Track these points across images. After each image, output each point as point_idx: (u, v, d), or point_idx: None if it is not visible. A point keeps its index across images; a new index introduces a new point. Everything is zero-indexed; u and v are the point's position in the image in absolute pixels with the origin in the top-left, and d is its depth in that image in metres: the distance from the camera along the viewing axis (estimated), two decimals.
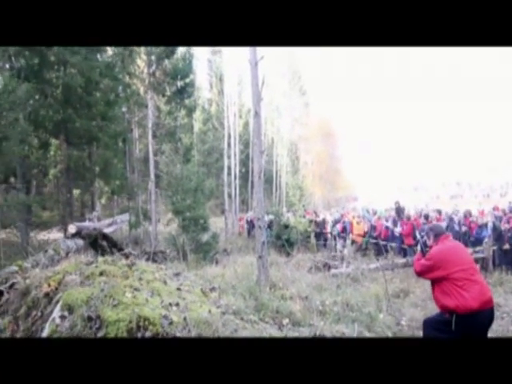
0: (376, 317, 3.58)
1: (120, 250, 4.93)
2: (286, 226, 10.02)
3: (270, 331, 2.72)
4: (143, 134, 15.11)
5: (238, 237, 13.06)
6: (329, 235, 10.99)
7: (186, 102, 12.64)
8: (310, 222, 11.54)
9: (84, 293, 2.36)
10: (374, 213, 10.64)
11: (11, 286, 2.83)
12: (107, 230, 4.88)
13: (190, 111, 13.70)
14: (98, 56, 12.33)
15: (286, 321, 3.08)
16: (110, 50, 13.12)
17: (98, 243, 4.69)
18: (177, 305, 2.52)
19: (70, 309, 2.24)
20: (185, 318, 2.21)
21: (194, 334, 2.08)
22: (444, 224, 8.19)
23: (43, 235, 9.42)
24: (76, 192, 10.71)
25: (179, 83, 12.38)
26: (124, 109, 13.34)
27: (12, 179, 10.62)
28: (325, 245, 10.90)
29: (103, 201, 11.81)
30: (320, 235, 11.16)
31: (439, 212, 9.24)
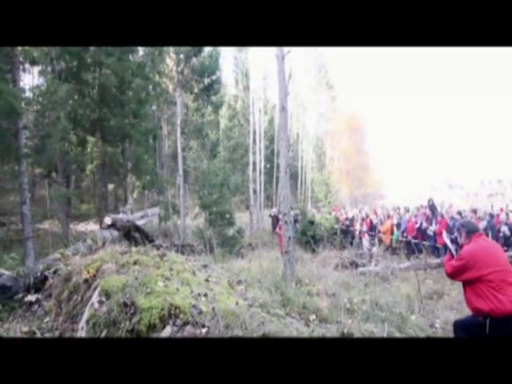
0: (407, 318, 3.43)
1: (151, 241, 5.15)
2: (312, 223, 9.88)
3: (297, 326, 2.71)
4: (172, 130, 15.58)
5: (263, 232, 13.12)
6: (357, 233, 10.69)
7: (213, 98, 12.82)
8: (337, 218, 11.28)
9: (120, 280, 2.49)
10: (407, 210, 10.16)
11: (55, 272, 3.05)
12: (139, 223, 5.10)
13: (217, 108, 13.89)
14: (130, 57, 12.86)
15: (312, 317, 3.05)
16: (141, 51, 13.61)
17: (131, 234, 4.92)
18: (205, 295, 2.59)
19: (108, 295, 2.37)
20: (213, 309, 2.26)
21: (222, 324, 2.12)
22: (484, 223, 7.63)
23: (81, 226, 10.09)
24: (110, 186, 11.36)
25: (206, 80, 12.58)
26: (154, 107, 13.84)
27: (54, 174, 11.47)
28: (351, 243, 10.63)
29: (135, 195, 12.41)
30: (347, 233, 10.89)
31: (475, 212, 8.56)
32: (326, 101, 26.42)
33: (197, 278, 3.02)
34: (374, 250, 8.89)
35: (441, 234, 8.08)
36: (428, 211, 8.89)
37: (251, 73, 17.35)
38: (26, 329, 2.53)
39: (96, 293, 2.46)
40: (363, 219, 10.62)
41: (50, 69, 10.56)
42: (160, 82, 13.88)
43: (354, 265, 6.82)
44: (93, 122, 10.53)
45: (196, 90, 12.28)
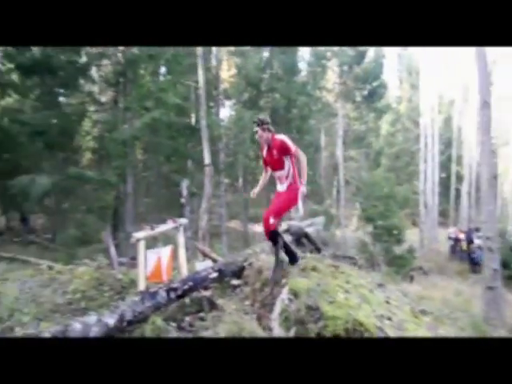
0: None
1: (318, 249, 5.35)
2: None
3: None
4: (329, 141, 15.88)
5: (437, 255, 10.85)
6: None
7: (376, 104, 12.04)
8: None
9: (304, 283, 2.71)
10: None
11: (249, 264, 3.70)
12: (307, 230, 5.43)
13: (381, 113, 12.90)
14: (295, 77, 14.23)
15: None
16: (304, 70, 14.78)
17: (301, 241, 5.31)
18: (389, 319, 2.40)
19: (295, 294, 2.63)
20: None
21: None
22: None
23: (256, 227, 12.01)
24: None
25: (369, 87, 12.02)
26: (312, 121, 14.62)
27: (235, 183, 14.32)
28: None
29: None
30: None
31: None
32: None
33: (375, 297, 2.85)
34: None
35: None
36: None
37: (421, 68, 15.02)
38: (233, 306, 3.20)
39: (285, 290, 2.77)
40: None
41: (236, 101, 13.39)
42: (320, 97, 14.55)
43: None
44: None
45: (358, 98, 11.97)
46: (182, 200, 5.61)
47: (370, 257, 6.48)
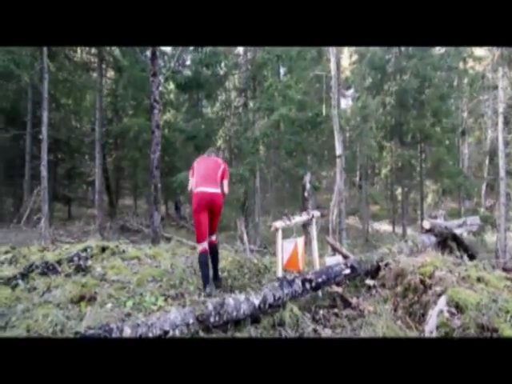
0: None
1: (471, 256, 4.39)
2: None
3: None
4: (475, 122, 12.71)
5: None
6: None
7: None
8: None
9: (472, 296, 2.24)
10: None
11: (386, 265, 3.37)
12: (456, 231, 4.52)
13: None
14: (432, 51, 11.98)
15: None
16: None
17: (447, 243, 4.48)
18: None
19: (459, 307, 2.20)
20: None
21: None
22: None
23: (376, 225, 11.01)
24: (403, 190, 11.35)
25: None
26: (451, 100, 11.99)
27: (353, 178, 13.47)
28: None
29: (429, 200, 11.46)
30: None
31: None
32: None
33: None
34: None
35: None
36: None
37: None
38: (371, 308, 2.98)
39: (443, 301, 2.37)
40: None
41: (357, 88, 12.43)
42: (466, 69, 11.83)
43: None
44: (391, 128, 11.04)
45: None
46: (306, 193, 5.68)
47: None
